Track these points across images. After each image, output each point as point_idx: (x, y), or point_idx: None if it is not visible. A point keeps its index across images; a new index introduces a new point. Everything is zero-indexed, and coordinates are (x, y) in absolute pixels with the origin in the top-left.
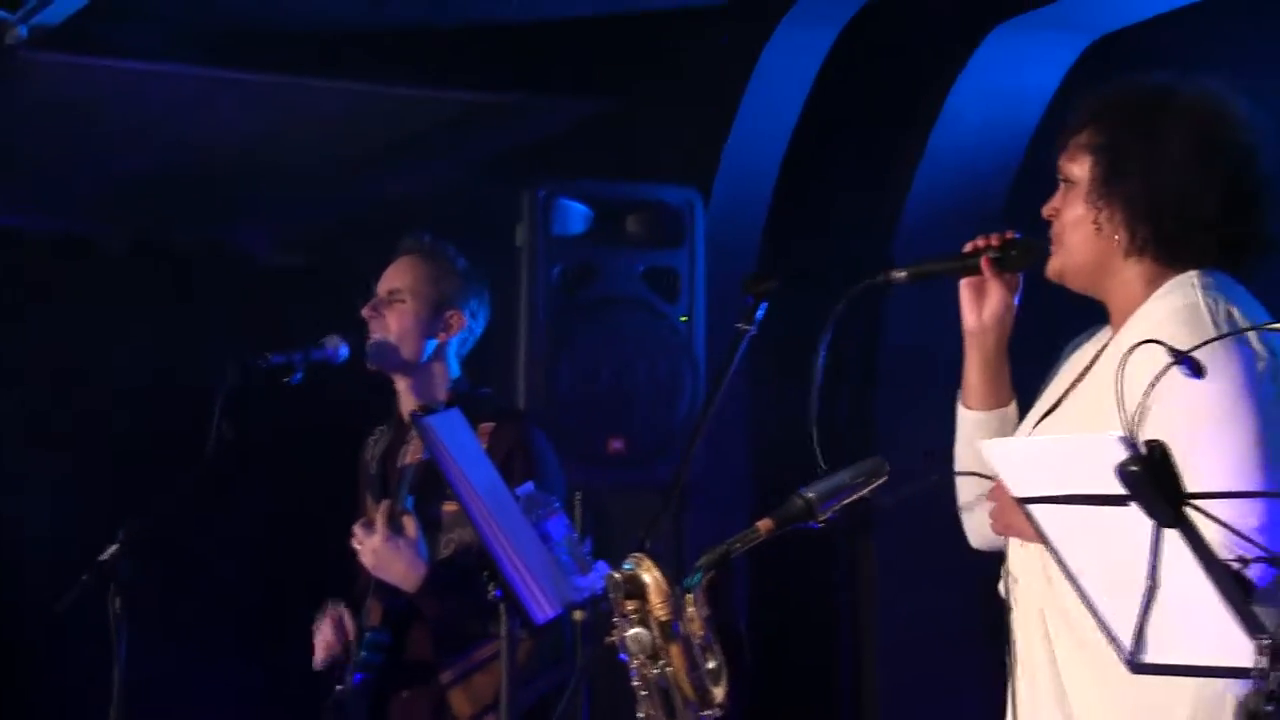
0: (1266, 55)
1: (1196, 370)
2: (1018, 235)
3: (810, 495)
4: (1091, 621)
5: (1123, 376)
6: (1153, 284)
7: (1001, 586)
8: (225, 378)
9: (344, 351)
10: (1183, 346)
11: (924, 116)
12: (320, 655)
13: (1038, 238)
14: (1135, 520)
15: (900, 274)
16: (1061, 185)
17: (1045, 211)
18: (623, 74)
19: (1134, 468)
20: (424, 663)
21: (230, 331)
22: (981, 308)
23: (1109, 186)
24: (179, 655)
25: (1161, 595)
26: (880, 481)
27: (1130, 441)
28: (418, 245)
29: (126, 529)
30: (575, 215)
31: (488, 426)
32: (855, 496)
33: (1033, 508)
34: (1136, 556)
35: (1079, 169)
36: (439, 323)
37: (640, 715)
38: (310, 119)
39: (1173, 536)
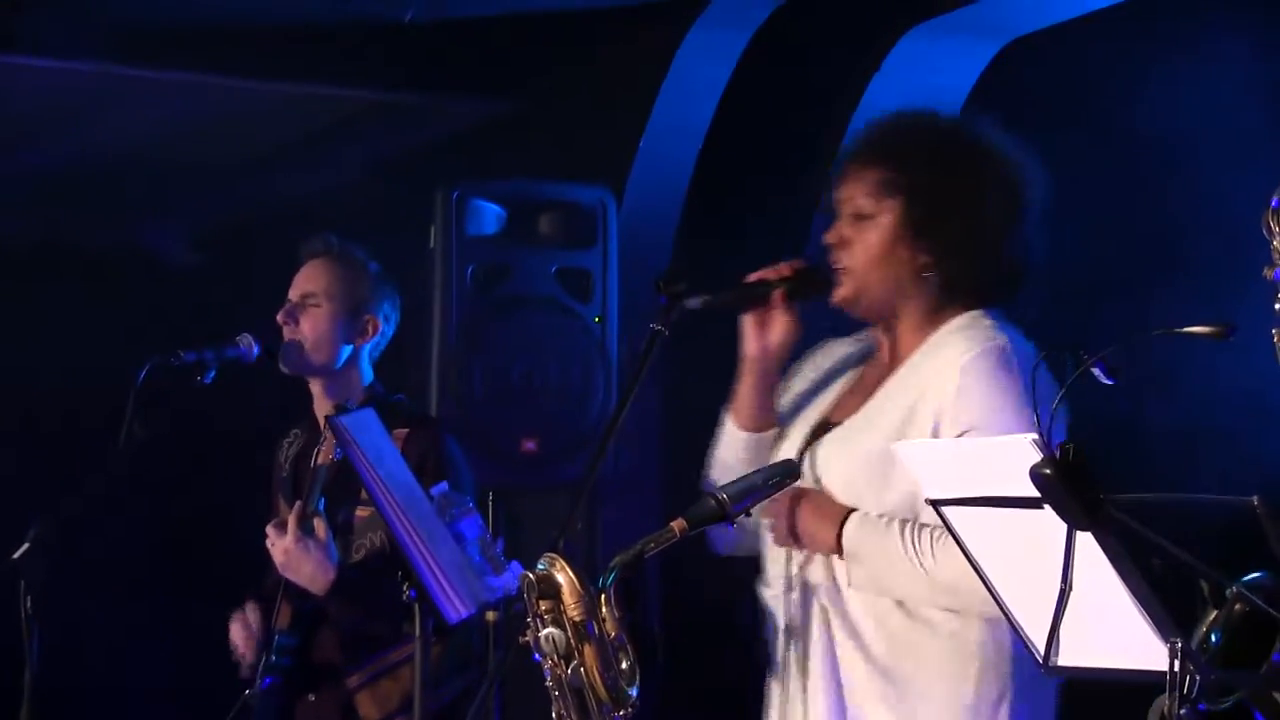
0: (1176, 59)
1: (1112, 374)
2: (806, 264)
3: (723, 496)
4: (871, 626)
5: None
6: (937, 315)
7: (770, 589)
8: (137, 376)
9: (256, 350)
10: (1001, 383)
11: (838, 119)
12: (244, 653)
13: (820, 264)
14: (1049, 523)
15: (694, 303)
16: (848, 215)
17: (830, 239)
18: (536, 74)
19: (1047, 470)
20: (332, 666)
21: (139, 330)
22: (766, 336)
23: (922, 230)
24: (89, 654)
25: (1075, 598)
26: (793, 482)
27: (1044, 444)
28: (328, 248)
29: (37, 528)
30: (488, 215)
31: (401, 432)
32: (767, 497)
33: (946, 509)
34: (1050, 559)
35: (875, 204)
36: (355, 327)
37: (554, 716)
38: (217, 116)
39: (1086, 539)
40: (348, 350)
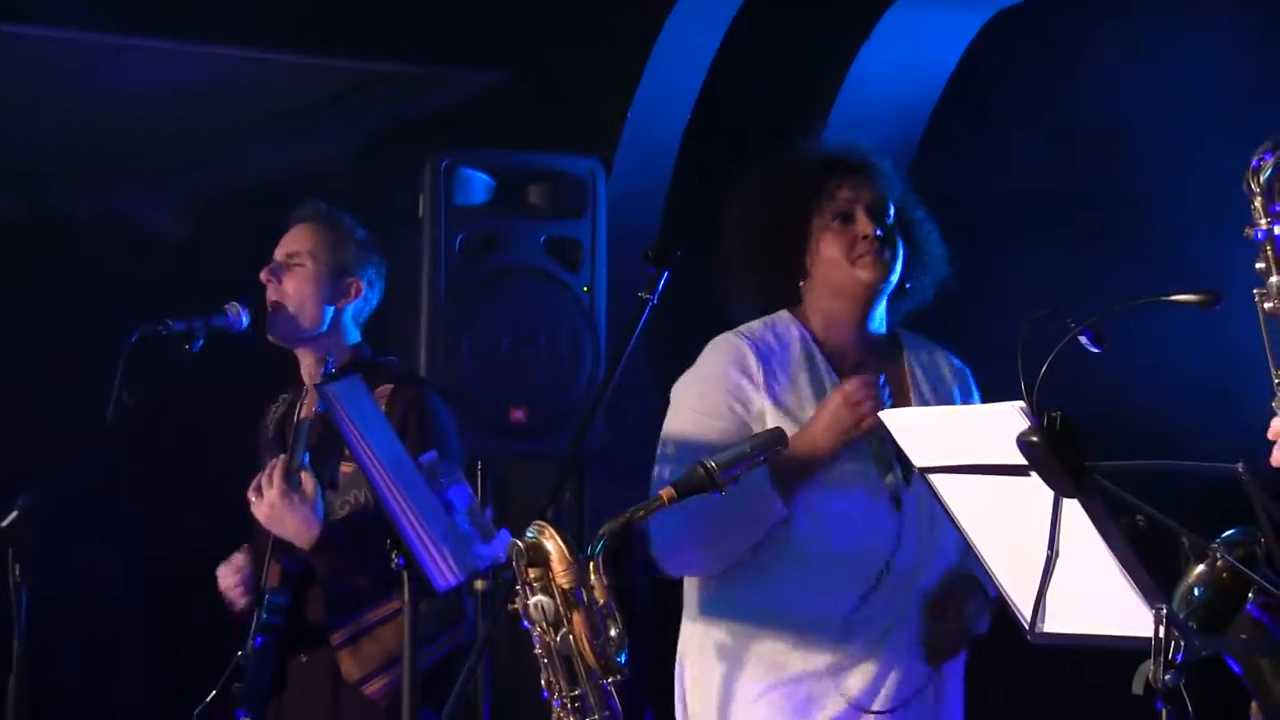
0: (1154, 31)
1: (1098, 342)
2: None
3: (712, 464)
4: None
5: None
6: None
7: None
8: (126, 345)
9: (245, 318)
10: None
11: (826, 88)
12: (236, 598)
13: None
14: (1035, 490)
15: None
16: (879, 215)
17: (876, 231)
18: (525, 44)
19: (1034, 438)
20: (321, 625)
21: (126, 299)
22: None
23: (922, 256)
24: (76, 624)
25: (1061, 565)
26: (780, 451)
27: (1030, 412)
28: (315, 212)
29: (25, 497)
30: (477, 185)
31: (386, 389)
32: (754, 465)
33: (933, 477)
34: (1036, 526)
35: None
36: (338, 288)
37: (542, 683)
38: (206, 86)
39: (1072, 506)
40: (330, 312)
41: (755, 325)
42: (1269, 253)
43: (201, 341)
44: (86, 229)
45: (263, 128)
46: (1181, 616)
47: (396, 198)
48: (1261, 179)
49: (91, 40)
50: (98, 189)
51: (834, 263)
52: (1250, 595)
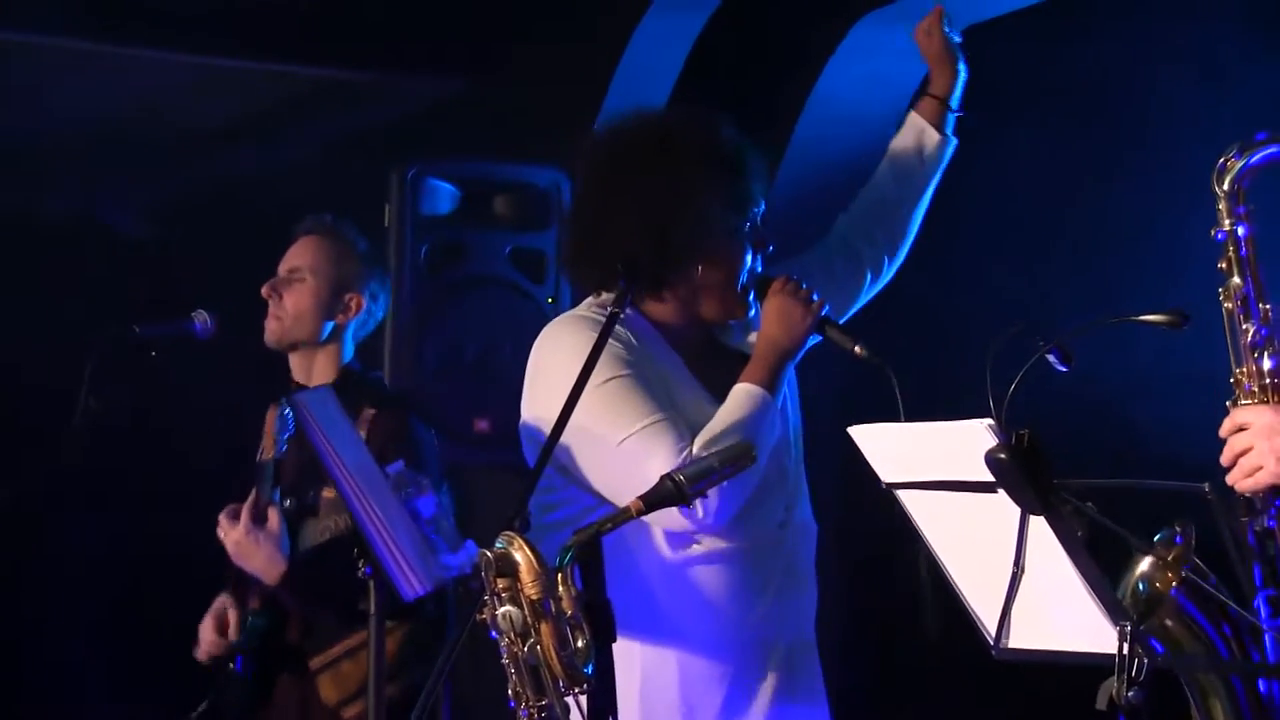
0: (1125, 47)
1: (1065, 360)
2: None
3: (680, 477)
4: None
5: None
6: None
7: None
8: (92, 349)
9: (211, 326)
10: None
11: (792, 103)
12: (202, 650)
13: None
14: (1002, 507)
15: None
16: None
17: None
18: (492, 53)
19: (1002, 455)
20: (297, 648)
21: (94, 303)
22: None
23: None
24: (50, 630)
25: (1026, 581)
26: (748, 465)
27: (999, 429)
28: (319, 225)
29: None
30: (443, 195)
31: (369, 413)
32: (723, 480)
33: (901, 493)
34: (1003, 543)
35: None
36: (338, 304)
37: (509, 693)
38: (174, 91)
39: (1039, 523)
40: (329, 327)
41: (591, 312)
42: (1230, 253)
43: (165, 348)
44: (55, 232)
45: (230, 134)
46: (1125, 603)
47: (362, 206)
48: (1226, 180)
49: (60, 45)
50: (65, 192)
51: (725, 279)
52: (1173, 582)
